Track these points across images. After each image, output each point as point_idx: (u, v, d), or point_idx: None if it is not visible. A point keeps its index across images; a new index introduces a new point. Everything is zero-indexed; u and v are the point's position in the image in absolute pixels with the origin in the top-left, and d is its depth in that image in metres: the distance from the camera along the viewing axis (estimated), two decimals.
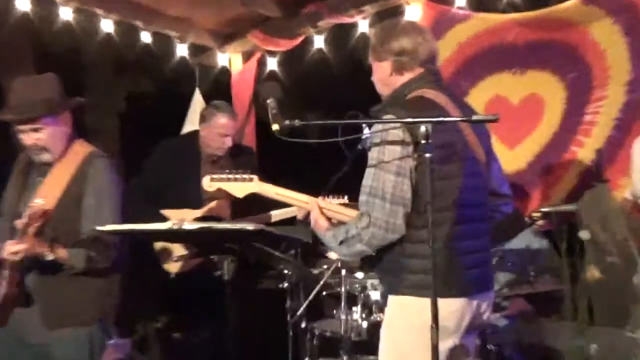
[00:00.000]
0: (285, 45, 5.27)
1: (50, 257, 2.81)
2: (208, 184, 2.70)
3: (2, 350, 2.93)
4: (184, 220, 2.73)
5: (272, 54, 5.56)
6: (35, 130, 2.91)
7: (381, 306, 3.64)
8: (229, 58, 5.72)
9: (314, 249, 4.17)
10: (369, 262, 2.52)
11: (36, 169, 3.02)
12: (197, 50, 5.69)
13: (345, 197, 3.24)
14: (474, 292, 2.42)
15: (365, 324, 3.66)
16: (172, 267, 3.96)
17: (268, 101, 2.34)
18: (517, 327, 3.56)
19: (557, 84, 4.09)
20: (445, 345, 2.35)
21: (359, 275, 3.82)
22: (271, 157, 4.59)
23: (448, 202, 2.37)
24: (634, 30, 3.82)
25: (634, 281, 3.18)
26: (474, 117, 2.25)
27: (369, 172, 2.38)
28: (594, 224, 3.25)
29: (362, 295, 3.73)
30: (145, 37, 5.27)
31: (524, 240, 3.88)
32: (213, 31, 5.54)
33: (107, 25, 5.02)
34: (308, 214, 2.62)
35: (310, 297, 3.77)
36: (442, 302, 2.15)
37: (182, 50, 5.50)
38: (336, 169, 2.65)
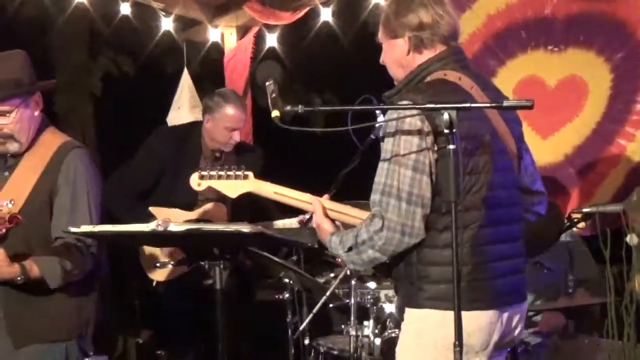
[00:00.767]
0: (287, 18, 5.26)
1: (22, 281, 2.79)
2: (196, 181, 2.67)
3: None
4: (170, 221, 2.73)
5: (271, 28, 5.55)
6: (2, 114, 2.87)
7: (396, 321, 3.65)
8: (221, 33, 5.72)
9: (319, 255, 4.18)
10: (382, 270, 2.53)
11: (0, 162, 2.99)
12: (184, 24, 5.69)
13: None
14: (504, 304, 2.43)
15: (378, 341, 3.66)
16: (157, 275, 3.98)
17: (267, 83, 2.34)
18: (552, 345, 3.57)
19: (602, 65, 4.07)
20: None
21: (371, 285, 3.83)
22: (270, 148, 4.60)
23: (475, 200, 2.37)
24: None
25: None
26: (505, 103, 2.25)
27: (382, 167, 2.38)
28: None
29: (374, 308, 3.74)
30: (124, 9, 5.27)
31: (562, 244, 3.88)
32: (203, 2, 5.55)
33: None
34: (310, 217, 2.63)
35: (315, 309, 3.77)
36: (466, 316, 2.16)
37: (167, 23, 5.48)
38: (345, 163, 2.67)
